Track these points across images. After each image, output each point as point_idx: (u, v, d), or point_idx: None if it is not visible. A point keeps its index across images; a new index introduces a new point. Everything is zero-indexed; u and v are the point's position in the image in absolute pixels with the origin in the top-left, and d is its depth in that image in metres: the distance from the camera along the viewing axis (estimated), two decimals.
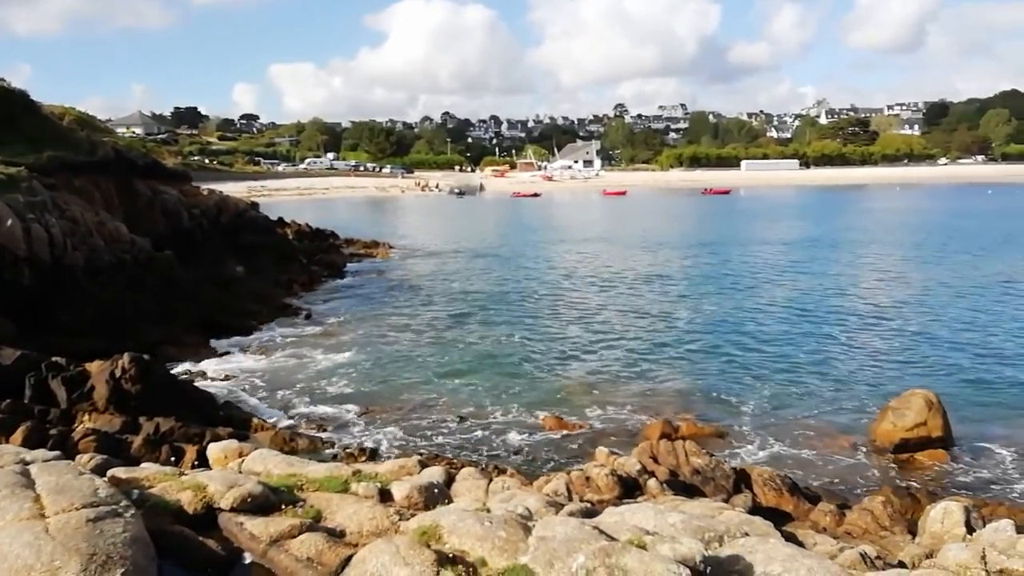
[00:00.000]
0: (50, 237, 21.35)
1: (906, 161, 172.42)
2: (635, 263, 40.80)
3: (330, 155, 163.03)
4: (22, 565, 4.19)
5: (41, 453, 6.22)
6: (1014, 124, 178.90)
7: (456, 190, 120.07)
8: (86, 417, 13.48)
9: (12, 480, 5.28)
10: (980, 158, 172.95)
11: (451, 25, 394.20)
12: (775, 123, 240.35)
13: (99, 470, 6.72)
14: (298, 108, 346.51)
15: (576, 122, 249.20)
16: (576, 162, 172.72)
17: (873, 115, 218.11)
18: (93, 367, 14.77)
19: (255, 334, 23.70)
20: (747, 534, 6.11)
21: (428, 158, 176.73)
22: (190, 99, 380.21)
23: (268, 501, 6.16)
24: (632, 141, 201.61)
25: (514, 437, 14.96)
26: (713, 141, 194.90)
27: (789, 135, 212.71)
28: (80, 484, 5.30)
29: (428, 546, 5.12)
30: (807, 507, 10.68)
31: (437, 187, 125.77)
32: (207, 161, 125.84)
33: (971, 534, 7.14)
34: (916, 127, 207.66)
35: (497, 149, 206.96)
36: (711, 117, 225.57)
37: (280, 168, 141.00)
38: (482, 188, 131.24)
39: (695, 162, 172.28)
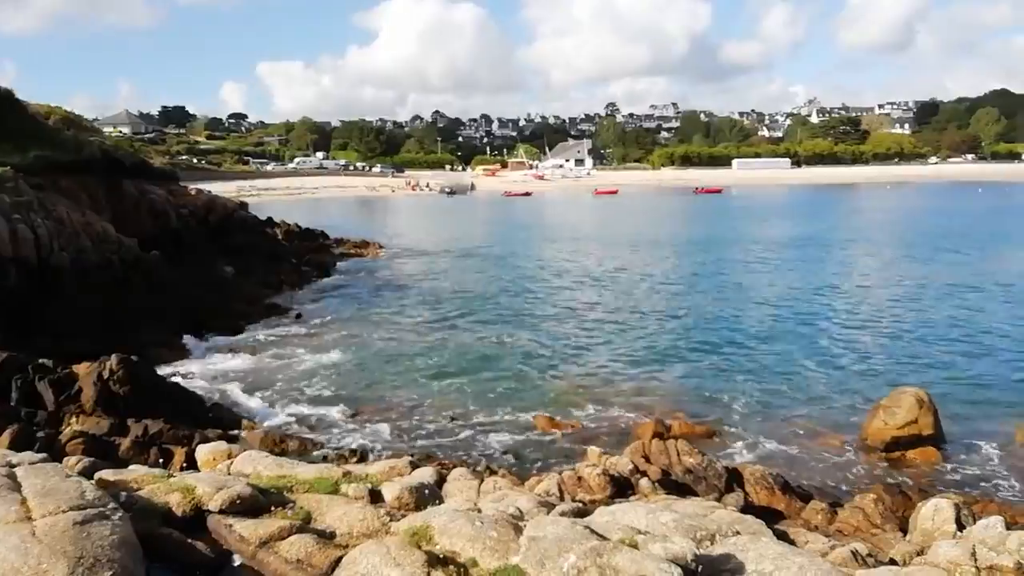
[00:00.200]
0: (36, 238, 21.19)
1: (897, 160, 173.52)
2: (626, 262, 40.85)
3: (320, 154, 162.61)
4: (9, 568, 4.14)
5: (28, 456, 6.15)
6: (1003, 123, 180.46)
7: (447, 189, 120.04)
8: (73, 419, 13.38)
9: None
10: (970, 157, 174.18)
11: (441, 23, 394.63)
12: (766, 122, 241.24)
13: (87, 473, 6.66)
14: (287, 107, 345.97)
15: (567, 121, 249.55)
16: (567, 161, 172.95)
17: (864, 114, 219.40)
18: (80, 369, 14.66)
19: (244, 334, 23.59)
20: (739, 533, 6.11)
21: (418, 157, 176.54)
22: (178, 98, 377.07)
23: (257, 503, 6.11)
24: (623, 140, 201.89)
25: (505, 437, 14.93)
26: (705, 140, 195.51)
27: (780, 134, 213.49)
28: (67, 487, 5.24)
29: (419, 547, 5.09)
30: (799, 505, 10.71)
31: (428, 186, 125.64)
32: (195, 161, 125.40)
33: (961, 531, 7.17)
34: (906, 126, 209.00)
35: (488, 148, 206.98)
36: (702, 116, 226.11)
37: (269, 168, 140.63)
38: (473, 187, 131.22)
39: (687, 161, 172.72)
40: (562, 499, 8.61)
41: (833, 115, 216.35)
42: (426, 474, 7.92)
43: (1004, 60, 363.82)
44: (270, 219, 48.10)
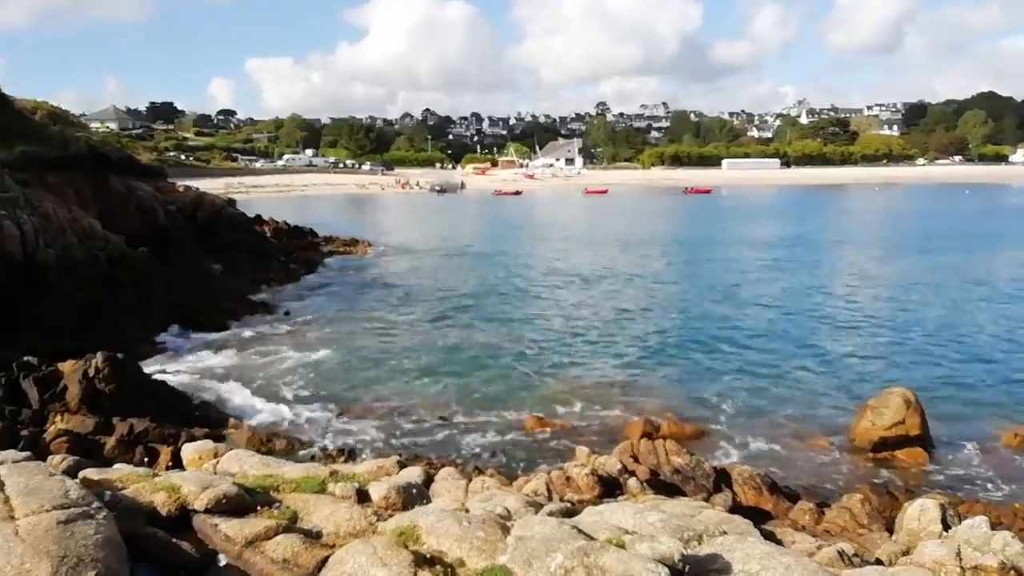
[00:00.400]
0: (22, 234, 21.01)
1: (885, 161, 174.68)
2: (616, 262, 40.91)
3: (309, 152, 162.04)
4: None
5: (11, 454, 6.09)
6: (991, 125, 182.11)
7: (437, 188, 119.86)
8: (58, 418, 13.28)
9: None
10: (957, 159, 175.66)
11: (432, 21, 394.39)
12: (756, 122, 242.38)
13: (71, 472, 6.60)
14: (276, 104, 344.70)
15: (558, 120, 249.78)
16: (558, 160, 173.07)
17: (853, 115, 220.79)
18: (66, 367, 14.56)
19: (231, 332, 23.48)
20: (726, 533, 6.13)
21: (409, 155, 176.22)
22: (166, 94, 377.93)
23: (243, 502, 6.07)
24: (614, 139, 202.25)
25: (494, 437, 14.92)
26: (695, 140, 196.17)
27: (770, 134, 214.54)
28: (51, 486, 5.19)
29: (406, 546, 5.07)
30: (786, 505, 10.75)
31: (418, 185, 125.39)
32: (183, 157, 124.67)
33: (947, 531, 7.21)
34: (895, 127, 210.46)
35: (478, 147, 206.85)
36: (693, 116, 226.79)
37: (258, 165, 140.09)
38: (463, 186, 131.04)
39: (677, 161, 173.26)
40: (550, 499, 8.61)
41: (822, 116, 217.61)
42: (414, 474, 7.90)
43: (992, 63, 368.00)
44: (258, 216, 47.93)
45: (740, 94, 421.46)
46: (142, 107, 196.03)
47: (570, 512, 6.71)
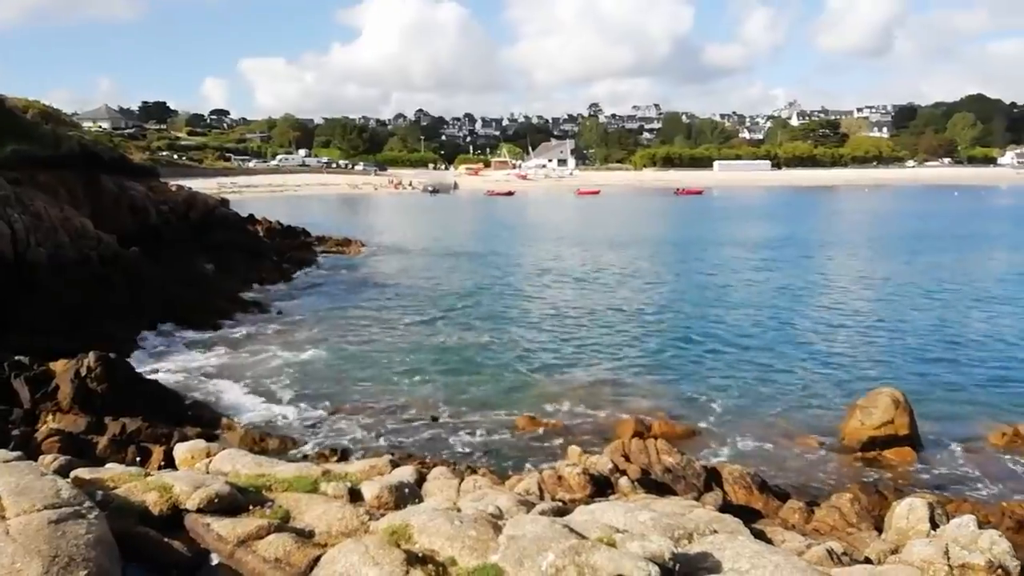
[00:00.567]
0: (13, 233, 20.92)
1: (875, 163, 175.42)
2: (607, 262, 40.99)
3: (302, 152, 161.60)
4: None
5: (2, 454, 6.07)
6: (979, 128, 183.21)
7: (430, 188, 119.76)
8: (50, 417, 13.23)
9: None
10: (946, 161, 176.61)
11: (425, 22, 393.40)
12: (747, 124, 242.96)
13: (62, 471, 6.59)
14: (269, 104, 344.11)
15: (550, 121, 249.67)
16: (550, 161, 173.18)
17: (843, 117, 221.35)
18: (57, 366, 14.51)
19: (224, 331, 23.43)
20: (716, 531, 6.17)
21: (402, 156, 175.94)
22: (158, 93, 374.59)
23: (236, 502, 6.07)
24: (606, 141, 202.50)
25: (486, 436, 14.95)
26: (686, 141, 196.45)
27: (761, 136, 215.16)
28: (42, 485, 5.19)
29: (398, 546, 5.09)
30: (776, 504, 10.80)
31: (411, 185, 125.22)
32: (176, 157, 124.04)
33: (935, 530, 7.25)
34: (885, 130, 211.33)
35: (471, 147, 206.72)
36: (684, 117, 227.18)
37: (251, 164, 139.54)
38: (456, 186, 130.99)
39: (668, 162, 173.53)
40: (542, 498, 8.63)
41: (813, 118, 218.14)
42: (406, 473, 7.91)
43: (980, 66, 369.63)
44: (251, 216, 47.84)
45: (731, 96, 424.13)
46: (135, 106, 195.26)
47: (562, 511, 6.74)
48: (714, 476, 11.41)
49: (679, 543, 5.55)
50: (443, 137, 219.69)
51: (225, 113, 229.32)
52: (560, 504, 7.59)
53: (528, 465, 13.15)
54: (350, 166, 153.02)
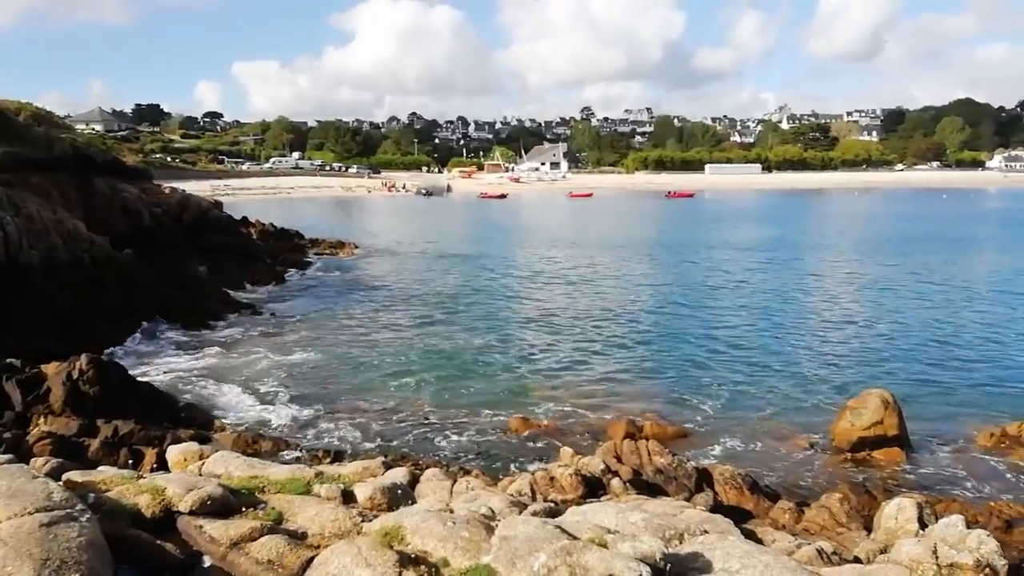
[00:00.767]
0: (5, 235, 20.83)
1: (864, 166, 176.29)
2: (600, 265, 41.07)
3: (296, 154, 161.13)
4: None
5: None
6: (967, 131, 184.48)
7: (423, 191, 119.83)
8: (41, 420, 13.17)
9: None
10: (935, 164, 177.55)
11: (418, 25, 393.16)
12: (738, 128, 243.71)
13: (54, 474, 6.58)
14: (263, 107, 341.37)
15: (543, 124, 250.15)
16: (543, 164, 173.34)
17: (833, 121, 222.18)
18: (49, 369, 14.46)
19: (217, 333, 23.40)
20: (707, 532, 6.20)
21: (395, 158, 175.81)
22: (152, 96, 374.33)
23: (228, 504, 6.08)
24: (598, 144, 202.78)
25: (479, 438, 14.97)
26: (678, 145, 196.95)
27: (752, 140, 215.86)
28: (34, 488, 5.18)
29: (390, 547, 5.11)
30: (767, 505, 10.85)
31: (404, 188, 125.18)
32: (169, 159, 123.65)
33: (924, 530, 7.30)
34: (874, 133, 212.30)
35: (464, 150, 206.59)
36: (676, 121, 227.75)
37: (245, 167, 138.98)
38: (449, 189, 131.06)
39: (660, 165, 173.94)
40: (534, 499, 8.66)
41: (803, 122, 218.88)
42: (399, 475, 7.93)
43: (969, 70, 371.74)
44: (245, 218, 47.75)
45: (723, 100, 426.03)
46: (128, 109, 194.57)
47: (554, 512, 6.77)
48: (705, 477, 11.46)
49: (670, 543, 5.59)
50: (436, 140, 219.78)
51: (218, 116, 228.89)
52: (552, 505, 7.62)
53: (520, 466, 13.19)
54: (343, 169, 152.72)
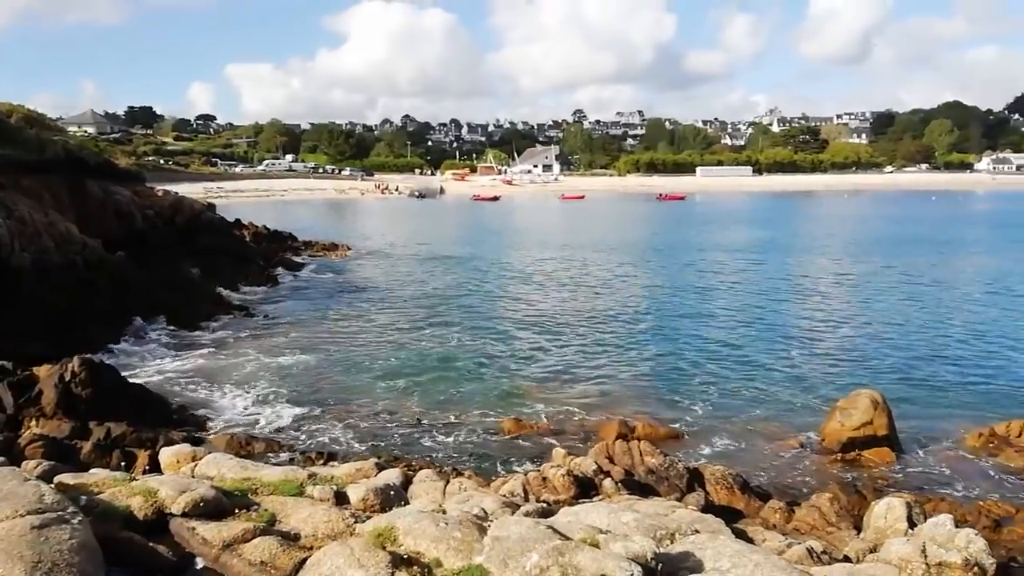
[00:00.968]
0: None
1: (854, 169, 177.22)
2: (592, 266, 41.12)
3: (289, 157, 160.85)
4: None
5: None
6: (956, 134, 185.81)
7: (416, 193, 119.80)
8: (33, 423, 13.11)
9: None
10: (924, 166, 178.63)
11: (411, 28, 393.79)
12: (729, 130, 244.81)
13: (46, 476, 6.57)
14: (256, 109, 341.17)
15: (535, 127, 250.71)
16: (535, 166, 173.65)
17: (823, 124, 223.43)
18: (41, 371, 14.40)
19: (209, 335, 23.34)
20: (698, 531, 6.25)
21: (388, 161, 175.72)
22: (144, 98, 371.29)
23: (221, 505, 6.09)
24: (590, 146, 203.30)
25: (472, 438, 14.98)
26: (669, 147, 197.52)
27: (743, 142, 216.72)
28: (25, 491, 5.19)
29: (383, 548, 5.13)
30: (758, 504, 10.90)
31: (397, 190, 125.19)
32: (162, 161, 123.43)
33: (913, 529, 7.36)
34: (864, 136, 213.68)
35: (457, 153, 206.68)
36: (667, 124, 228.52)
37: (238, 169, 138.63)
38: (442, 191, 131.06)
39: (652, 168, 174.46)
40: (527, 500, 8.69)
41: (793, 124, 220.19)
42: (392, 476, 7.95)
43: (957, 73, 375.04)
44: (238, 221, 47.65)
45: (713, 102, 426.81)
46: (120, 111, 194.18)
47: (546, 512, 6.81)
48: (696, 477, 11.51)
49: (661, 543, 5.63)
50: (429, 142, 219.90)
51: (212, 118, 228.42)
52: (545, 505, 7.65)
53: (512, 467, 13.20)
54: (337, 171, 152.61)
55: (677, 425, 15.81)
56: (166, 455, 8.97)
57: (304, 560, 5.23)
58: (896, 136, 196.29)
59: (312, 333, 24.20)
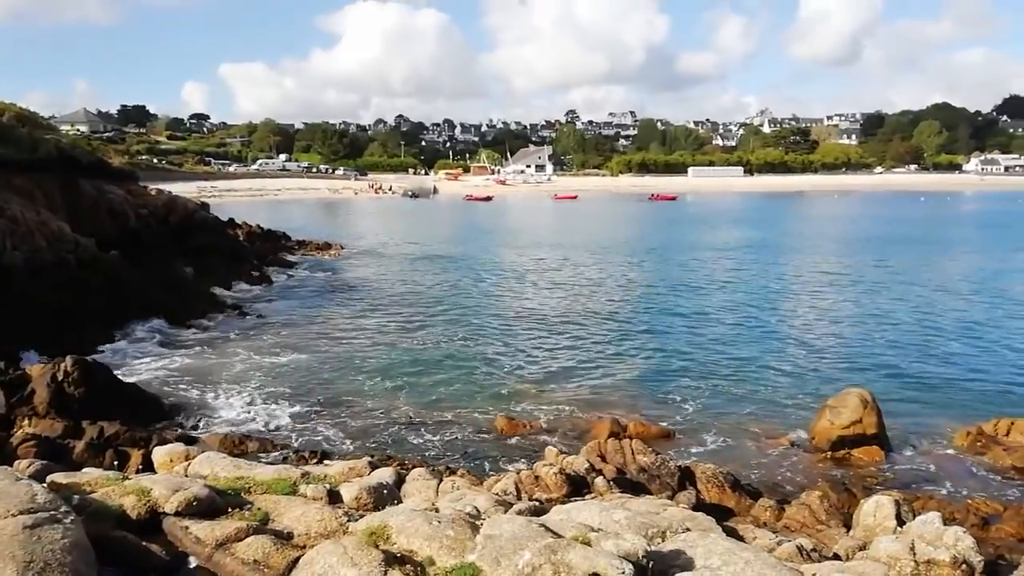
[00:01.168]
0: None
1: (844, 169, 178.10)
2: (584, 266, 41.19)
3: (282, 156, 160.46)
4: None
5: None
6: (945, 135, 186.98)
7: (410, 193, 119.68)
8: (26, 422, 13.07)
9: None
10: (913, 167, 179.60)
11: (404, 28, 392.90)
12: (720, 131, 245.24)
13: (38, 476, 6.55)
14: (250, 108, 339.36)
15: (528, 127, 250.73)
16: (529, 166, 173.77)
17: (813, 125, 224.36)
18: (33, 370, 14.37)
19: (202, 334, 23.30)
20: (689, 529, 6.29)
21: (381, 160, 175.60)
22: (137, 97, 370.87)
23: (214, 504, 6.09)
24: (583, 147, 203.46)
25: (465, 437, 15.01)
26: (661, 148, 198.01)
27: (734, 143, 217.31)
28: (17, 490, 5.17)
29: (376, 546, 5.14)
30: (748, 503, 10.95)
31: (391, 190, 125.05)
32: (156, 161, 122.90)
33: (902, 527, 7.40)
34: (853, 137, 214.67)
35: (451, 153, 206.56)
36: (659, 124, 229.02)
37: (231, 169, 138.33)
38: (435, 191, 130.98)
39: (644, 168, 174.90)
40: (519, 498, 8.71)
41: (784, 125, 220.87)
42: (385, 474, 7.96)
43: (946, 75, 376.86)
44: (231, 220, 47.49)
45: (705, 103, 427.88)
46: (113, 110, 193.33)
47: (538, 511, 6.83)
48: (688, 475, 11.55)
49: (652, 541, 5.66)
50: (423, 142, 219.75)
51: (205, 117, 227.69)
52: (537, 504, 7.67)
53: (505, 465, 13.24)
54: (330, 171, 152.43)
55: (669, 424, 15.87)
56: (159, 454, 8.95)
57: (297, 559, 5.23)
58: (885, 137, 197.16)
59: (305, 332, 24.18)
